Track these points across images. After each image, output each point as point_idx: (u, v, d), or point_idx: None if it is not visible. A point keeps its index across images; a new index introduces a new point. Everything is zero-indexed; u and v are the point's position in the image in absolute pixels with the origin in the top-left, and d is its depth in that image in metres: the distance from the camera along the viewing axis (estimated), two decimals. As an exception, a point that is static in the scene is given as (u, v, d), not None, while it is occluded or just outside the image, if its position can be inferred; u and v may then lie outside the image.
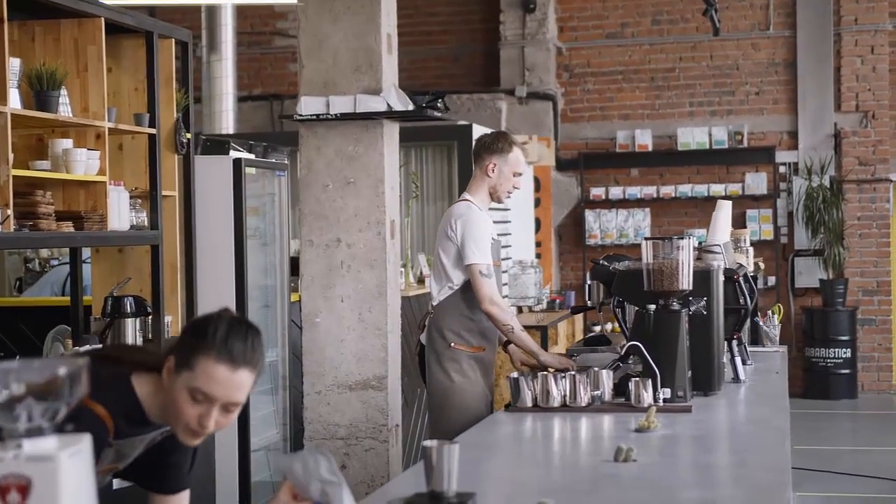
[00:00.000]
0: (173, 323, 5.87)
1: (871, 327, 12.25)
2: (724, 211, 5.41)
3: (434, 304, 5.22)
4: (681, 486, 3.05)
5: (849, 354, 11.94)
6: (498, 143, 5.25)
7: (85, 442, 1.80)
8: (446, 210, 5.35)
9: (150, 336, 5.65)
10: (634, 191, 12.58)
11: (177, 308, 5.91)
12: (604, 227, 12.67)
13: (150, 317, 5.61)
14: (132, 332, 5.49)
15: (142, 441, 2.66)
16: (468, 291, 5.11)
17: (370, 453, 5.57)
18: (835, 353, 11.92)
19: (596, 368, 4.32)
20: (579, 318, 11.00)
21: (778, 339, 6.38)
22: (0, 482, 1.73)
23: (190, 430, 2.53)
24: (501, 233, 10.29)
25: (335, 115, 5.70)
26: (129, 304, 5.47)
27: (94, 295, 5.80)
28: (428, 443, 2.68)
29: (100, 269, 5.84)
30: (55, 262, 8.51)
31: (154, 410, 2.60)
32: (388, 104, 5.70)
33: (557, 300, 11.12)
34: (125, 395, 2.58)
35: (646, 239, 4.41)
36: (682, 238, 4.38)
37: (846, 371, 11.96)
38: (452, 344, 5.12)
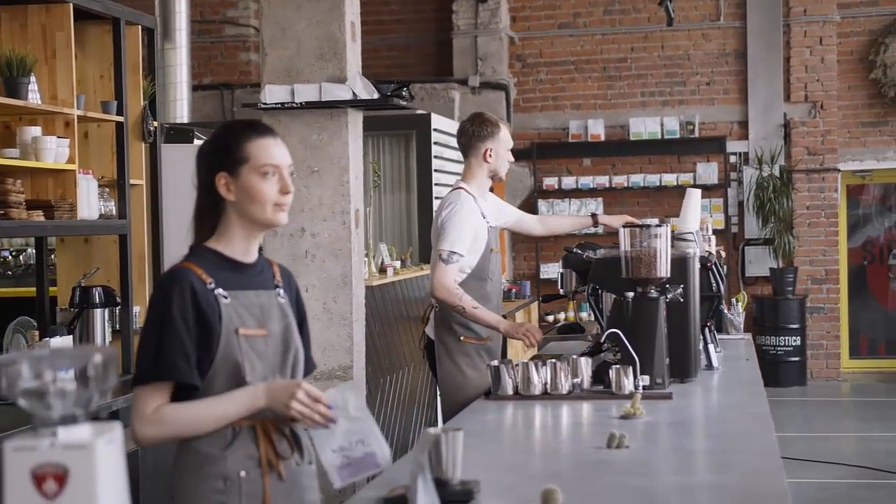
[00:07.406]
0: (142, 313, 5.80)
1: (819, 315, 12.41)
2: (694, 198, 5.43)
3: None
4: (676, 471, 3.07)
5: (798, 342, 12.09)
6: (486, 128, 5.28)
7: (117, 430, 1.78)
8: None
9: (118, 327, 5.58)
10: (587, 180, 12.63)
11: (144, 298, 5.84)
12: (557, 216, 12.71)
13: (118, 307, 5.54)
14: (101, 322, 5.42)
15: (257, 297, 2.82)
16: (471, 282, 5.05)
17: (336, 442, 5.54)
18: (785, 340, 12.06)
19: (574, 356, 4.33)
20: (534, 307, 11.05)
21: (742, 326, 6.43)
22: (36, 471, 1.71)
23: (277, 205, 2.79)
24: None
25: (300, 103, 5.65)
26: (97, 295, 5.38)
27: (60, 286, 5.71)
28: (433, 430, 2.68)
29: (65, 259, 5.75)
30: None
31: (233, 247, 2.82)
32: (354, 93, 5.66)
33: (514, 290, 11.15)
34: (203, 253, 2.81)
35: (624, 226, 4.42)
36: (660, 226, 4.39)
37: (796, 359, 12.11)
38: (462, 338, 5.08)
